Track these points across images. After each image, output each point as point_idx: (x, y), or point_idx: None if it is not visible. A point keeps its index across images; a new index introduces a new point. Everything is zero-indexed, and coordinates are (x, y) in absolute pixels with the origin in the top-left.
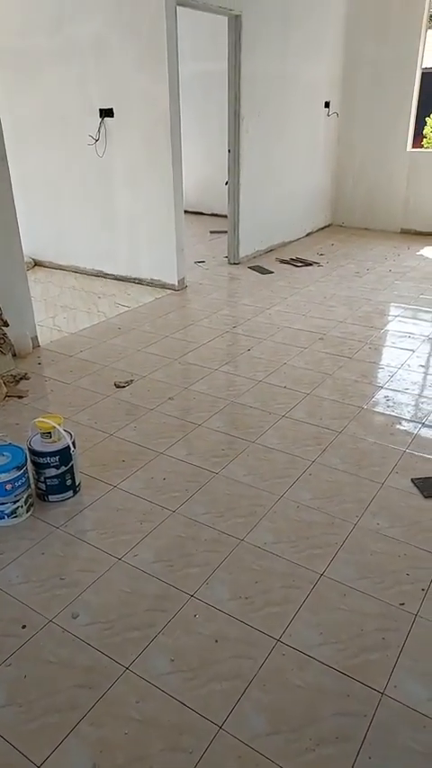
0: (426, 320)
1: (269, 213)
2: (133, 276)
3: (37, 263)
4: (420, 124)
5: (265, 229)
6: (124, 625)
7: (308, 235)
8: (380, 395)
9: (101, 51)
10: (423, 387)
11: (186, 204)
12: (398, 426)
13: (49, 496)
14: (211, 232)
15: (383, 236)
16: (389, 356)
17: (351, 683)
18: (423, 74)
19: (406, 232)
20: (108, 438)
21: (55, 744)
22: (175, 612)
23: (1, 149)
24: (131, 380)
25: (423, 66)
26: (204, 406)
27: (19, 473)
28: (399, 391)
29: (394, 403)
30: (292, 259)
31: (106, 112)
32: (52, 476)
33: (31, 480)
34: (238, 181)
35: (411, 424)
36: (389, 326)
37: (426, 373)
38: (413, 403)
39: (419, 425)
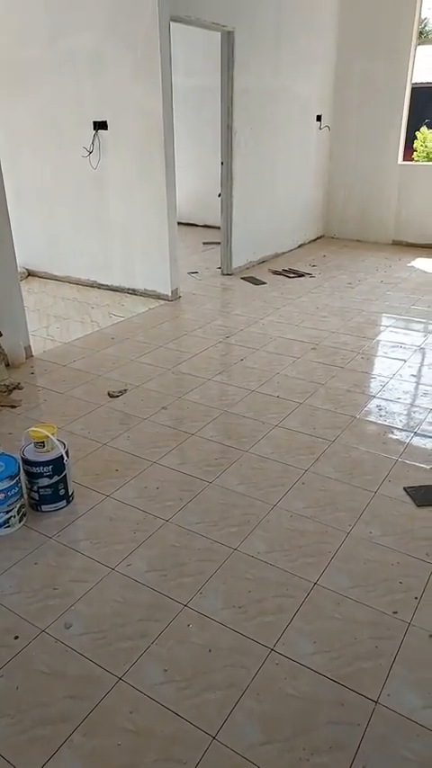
0: (417, 330)
1: (262, 224)
2: (127, 286)
3: (31, 274)
4: (411, 137)
5: (257, 240)
6: (117, 635)
7: (300, 246)
8: (372, 404)
9: (95, 64)
10: (415, 396)
11: (179, 216)
12: (390, 435)
13: (42, 506)
14: (204, 243)
15: (375, 247)
16: (381, 366)
17: (345, 692)
18: (413, 88)
19: (397, 243)
20: (101, 447)
21: (47, 755)
22: (168, 622)
23: None
24: (125, 390)
25: (413, 81)
26: (198, 416)
27: (12, 483)
28: (391, 401)
29: (386, 412)
30: (284, 270)
31: (100, 125)
32: (45, 485)
33: (24, 490)
34: (231, 193)
35: (403, 433)
36: (381, 337)
37: (417, 383)
38: (405, 412)
39: (411, 434)
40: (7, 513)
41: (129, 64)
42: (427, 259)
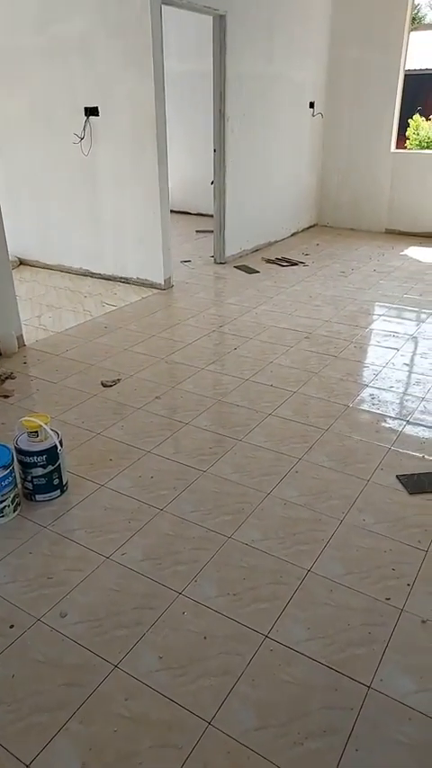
0: (410, 319)
1: (255, 213)
2: (120, 275)
3: (22, 262)
4: (403, 125)
5: (250, 229)
6: (112, 623)
7: (293, 235)
8: (365, 393)
9: (86, 50)
10: (407, 385)
11: (172, 203)
12: (383, 424)
13: (37, 496)
14: (197, 231)
15: (368, 236)
16: (374, 355)
17: (338, 678)
18: (406, 75)
19: (390, 232)
20: (95, 437)
21: (44, 743)
22: (163, 610)
23: None
24: (118, 379)
25: (406, 68)
26: (191, 405)
27: (5, 472)
28: (384, 389)
29: (379, 401)
30: (277, 259)
31: (91, 111)
32: (39, 475)
33: (18, 480)
34: (224, 180)
35: (396, 421)
36: (374, 325)
37: (410, 371)
38: (398, 401)
39: (404, 423)
40: (1, 502)
41: (120, 49)
42: (419, 248)
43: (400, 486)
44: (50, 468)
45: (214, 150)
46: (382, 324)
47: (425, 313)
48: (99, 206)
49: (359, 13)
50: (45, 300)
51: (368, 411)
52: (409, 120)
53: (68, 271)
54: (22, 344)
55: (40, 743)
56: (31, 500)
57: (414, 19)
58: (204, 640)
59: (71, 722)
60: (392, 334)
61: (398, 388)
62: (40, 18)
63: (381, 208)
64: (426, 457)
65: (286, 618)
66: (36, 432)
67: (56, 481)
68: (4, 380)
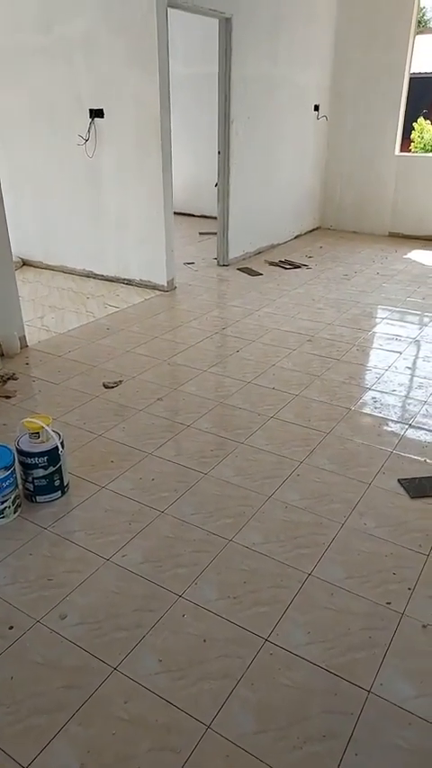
0: (413, 323)
1: (258, 215)
2: (122, 277)
3: (25, 263)
4: (408, 128)
5: (254, 231)
6: (112, 625)
7: (296, 237)
8: (367, 396)
9: (91, 51)
10: (410, 388)
11: (176, 205)
12: (385, 427)
13: (37, 497)
14: (201, 233)
15: (372, 239)
16: (376, 358)
17: (338, 682)
18: (411, 79)
19: (394, 235)
20: (96, 438)
21: (42, 745)
22: (163, 613)
23: None
24: (120, 381)
25: (411, 72)
26: (193, 407)
27: (6, 473)
28: (386, 393)
29: (381, 404)
30: (281, 261)
31: (96, 113)
32: (40, 476)
33: (19, 481)
34: (228, 182)
35: (398, 425)
36: (376, 329)
37: (412, 375)
38: (400, 404)
39: (406, 427)
40: (2, 503)
41: (125, 50)
42: (423, 251)
43: (401, 490)
44: (51, 469)
45: (218, 152)
46: (385, 327)
47: (428, 316)
48: (103, 207)
49: (364, 16)
50: (48, 301)
51: (370, 414)
52: (414, 124)
53: (71, 272)
54: (24, 345)
55: (39, 745)
56: (32, 501)
57: (420, 22)
58: (204, 643)
59: (70, 724)
60: (395, 337)
61: (400, 391)
62: (44, 18)
63: (384, 211)
64: (428, 461)
65: (286, 621)
66: (37, 433)
67: (57, 482)
68: (5, 381)
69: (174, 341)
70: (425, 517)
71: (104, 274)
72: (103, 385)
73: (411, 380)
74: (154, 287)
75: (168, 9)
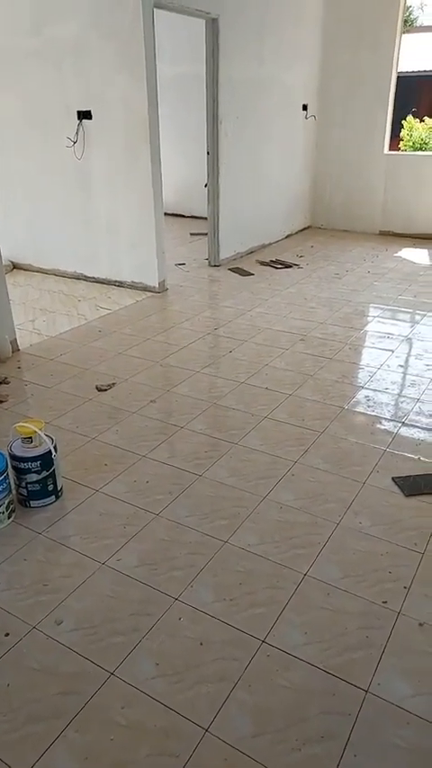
0: (404, 321)
1: (249, 215)
2: (114, 279)
3: (16, 266)
4: (396, 127)
5: (244, 231)
6: (108, 630)
7: (287, 237)
8: (360, 395)
9: (79, 53)
10: (402, 386)
11: (166, 206)
12: (378, 426)
13: (31, 502)
14: (192, 234)
15: (362, 237)
16: (369, 357)
17: (336, 682)
18: (398, 77)
19: (384, 234)
20: (90, 442)
21: (40, 752)
22: (159, 616)
23: None
24: (113, 384)
25: (398, 71)
26: (186, 409)
27: None
28: (379, 391)
29: (374, 403)
30: (272, 261)
31: (84, 114)
32: (34, 481)
33: (13, 486)
34: (218, 183)
35: (391, 423)
36: (368, 327)
37: (405, 373)
38: (393, 403)
39: (399, 425)
40: None
41: (113, 52)
42: (413, 249)
43: (395, 489)
44: (45, 473)
45: (207, 153)
46: (377, 325)
47: (419, 314)
48: (93, 209)
49: (351, 16)
50: (39, 304)
51: (363, 413)
52: (403, 122)
53: (63, 275)
54: (15, 349)
55: (37, 752)
56: (26, 506)
57: (406, 21)
58: (201, 646)
59: (67, 731)
60: (387, 335)
61: (393, 389)
62: (33, 20)
63: (374, 209)
64: (421, 458)
65: (283, 622)
66: (30, 437)
67: (50, 487)
68: None
69: (166, 342)
70: (419, 515)
71: (96, 276)
72: (96, 388)
73: (404, 378)
74: (145, 288)
75: (155, 10)
